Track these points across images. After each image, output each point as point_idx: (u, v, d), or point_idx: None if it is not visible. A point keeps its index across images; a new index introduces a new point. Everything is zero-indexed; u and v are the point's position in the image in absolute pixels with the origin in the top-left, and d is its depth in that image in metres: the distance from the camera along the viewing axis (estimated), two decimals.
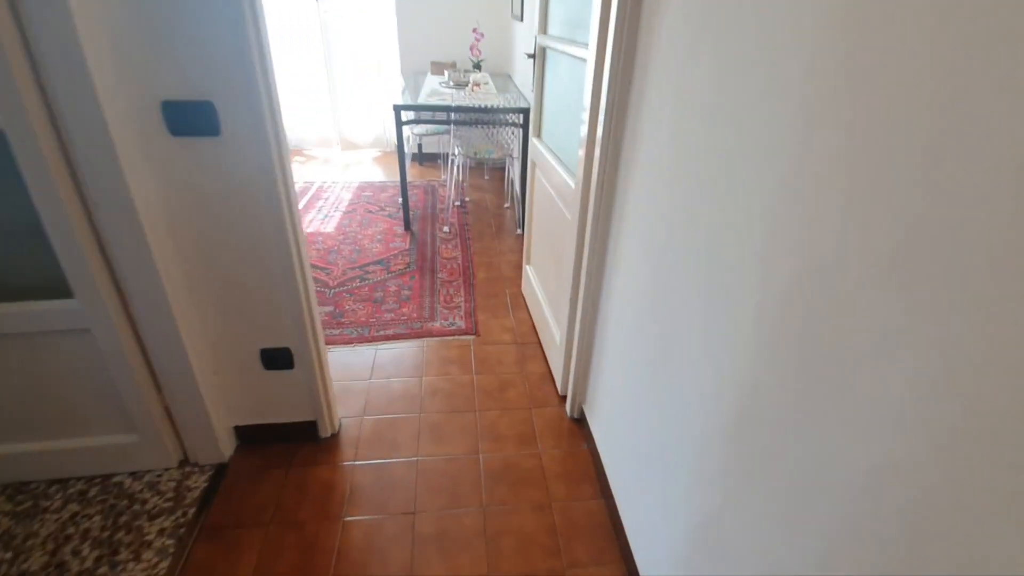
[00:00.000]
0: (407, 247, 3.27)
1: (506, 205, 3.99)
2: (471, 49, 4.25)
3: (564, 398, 2.07)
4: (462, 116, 3.22)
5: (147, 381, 1.55)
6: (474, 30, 4.18)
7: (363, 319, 2.53)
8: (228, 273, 1.52)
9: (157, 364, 1.53)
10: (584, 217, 1.67)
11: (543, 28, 2.12)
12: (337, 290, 2.76)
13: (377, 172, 4.65)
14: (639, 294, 1.37)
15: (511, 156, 3.44)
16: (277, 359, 1.68)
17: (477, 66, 4.27)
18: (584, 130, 1.56)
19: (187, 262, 1.47)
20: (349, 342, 2.37)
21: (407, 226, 3.50)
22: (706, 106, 0.98)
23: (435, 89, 3.69)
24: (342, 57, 4.81)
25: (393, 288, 2.80)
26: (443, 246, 3.30)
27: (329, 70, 4.81)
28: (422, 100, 3.36)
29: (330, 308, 2.61)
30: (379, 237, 3.39)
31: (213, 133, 1.30)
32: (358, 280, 2.87)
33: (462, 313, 2.61)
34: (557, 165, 1.98)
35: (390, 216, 3.72)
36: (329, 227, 3.50)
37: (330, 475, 1.72)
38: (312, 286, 1.67)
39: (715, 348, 0.97)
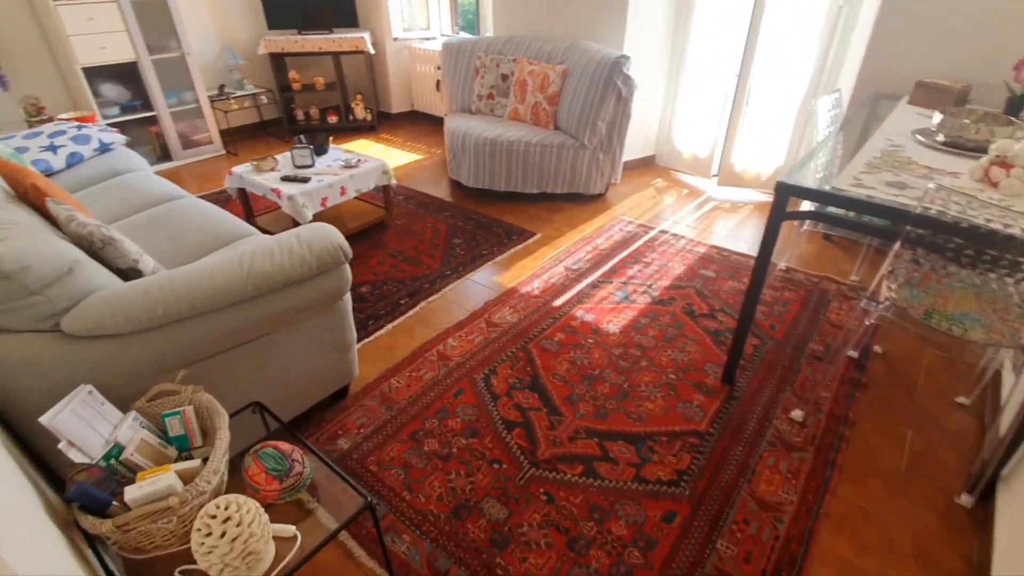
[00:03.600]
0: (703, 427, 1.83)
1: (959, 399, 1.94)
2: (1018, 71, 2.11)
3: None
4: (936, 236, 1.43)
5: None
6: None
7: None
8: None
9: None
10: None
11: None
12: (536, 472, 1.66)
13: (746, 234, 3.10)
14: None
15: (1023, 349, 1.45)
16: None
17: (1018, 105, 2.11)
18: None
19: None
20: None
21: (727, 377, 2.01)
22: None
23: (893, 147, 1.89)
24: (767, 52, 3.27)
25: (619, 528, 1.50)
26: (772, 456, 1.71)
27: (744, 67, 3.35)
28: (853, 175, 1.69)
29: (497, 514, 1.54)
30: (672, 377, 2.04)
31: None
32: (581, 470, 1.68)
33: None
34: None
35: (714, 335, 2.26)
36: (615, 325, 2.34)
37: None
38: None
39: None
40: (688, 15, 3.54)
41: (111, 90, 3.78)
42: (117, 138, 2.99)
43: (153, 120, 3.98)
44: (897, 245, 1.51)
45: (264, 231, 3.06)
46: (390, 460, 1.71)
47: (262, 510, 1.01)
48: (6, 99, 3.50)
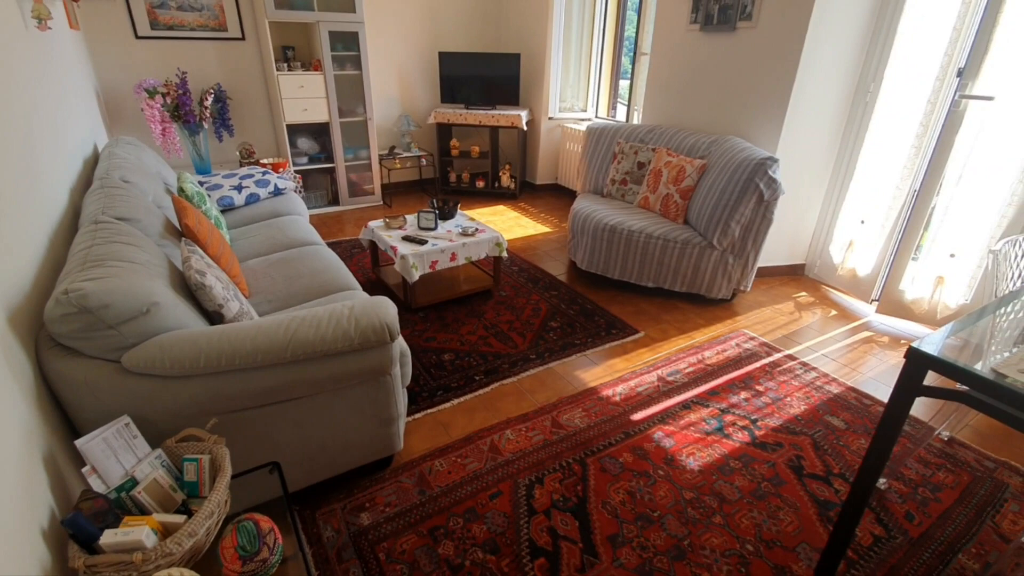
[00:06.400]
0: None
1: None
2: None
3: None
4: None
5: None
6: None
7: None
8: None
9: None
10: None
11: None
12: None
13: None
14: None
15: None
16: None
17: None
18: None
19: None
20: None
21: (825, 570, 1.57)
22: None
23: None
24: (960, 169, 2.71)
25: None
26: None
27: (927, 184, 2.82)
28: None
29: None
30: (749, 549, 1.65)
31: None
32: None
33: None
34: None
35: (822, 506, 1.81)
36: (696, 460, 2.00)
37: None
38: None
39: None
40: (863, 120, 3.13)
41: (304, 143, 4.51)
42: (289, 184, 3.50)
43: (331, 170, 4.64)
44: None
45: (382, 282, 3.29)
46: (400, 552, 1.62)
47: None
48: (230, 143, 4.36)
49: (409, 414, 2.20)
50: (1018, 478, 1.97)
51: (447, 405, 2.27)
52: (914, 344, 1.24)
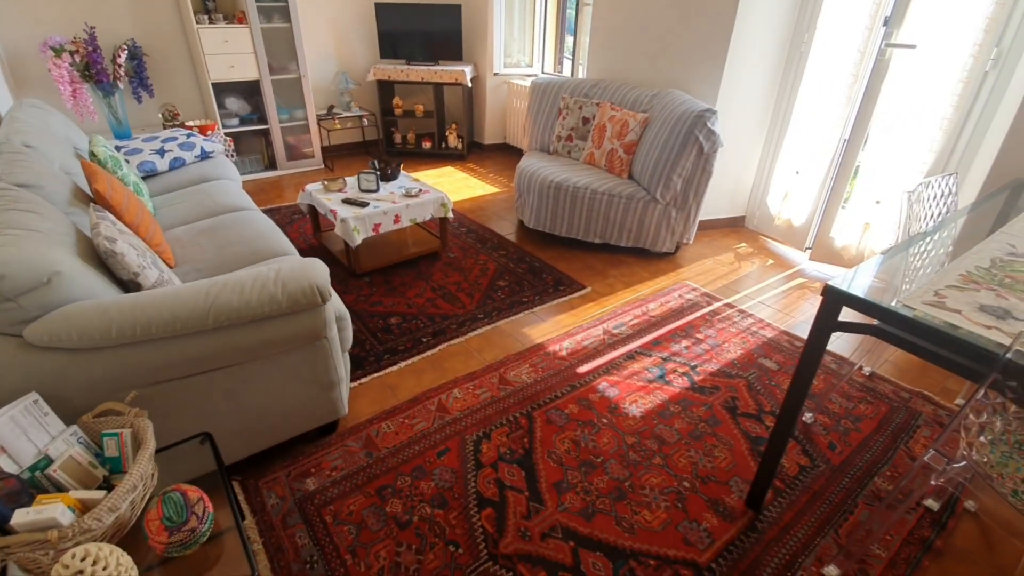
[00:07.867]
0: (704, 559, 1.52)
1: None
2: None
3: None
4: None
5: None
6: None
7: None
8: None
9: None
10: None
11: None
12: (490, 568, 1.46)
13: None
14: None
15: None
16: None
17: None
18: None
19: None
20: None
21: (753, 500, 1.67)
22: None
23: (1011, 256, 1.47)
24: (886, 118, 2.82)
25: None
26: None
27: (855, 133, 2.93)
28: (937, 289, 1.32)
29: None
30: (686, 486, 1.74)
31: None
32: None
33: None
34: None
35: (753, 442, 1.92)
36: (638, 407, 2.07)
37: None
38: None
39: None
40: (798, 71, 3.18)
41: (234, 103, 4.23)
42: (217, 147, 3.30)
43: (266, 132, 4.39)
44: (980, 393, 1.14)
45: (324, 248, 3.19)
46: (347, 514, 1.62)
47: (131, 568, 0.96)
48: (151, 104, 4.05)
49: (355, 379, 2.17)
50: (930, 406, 2.14)
51: (394, 368, 2.25)
52: (830, 282, 1.30)
